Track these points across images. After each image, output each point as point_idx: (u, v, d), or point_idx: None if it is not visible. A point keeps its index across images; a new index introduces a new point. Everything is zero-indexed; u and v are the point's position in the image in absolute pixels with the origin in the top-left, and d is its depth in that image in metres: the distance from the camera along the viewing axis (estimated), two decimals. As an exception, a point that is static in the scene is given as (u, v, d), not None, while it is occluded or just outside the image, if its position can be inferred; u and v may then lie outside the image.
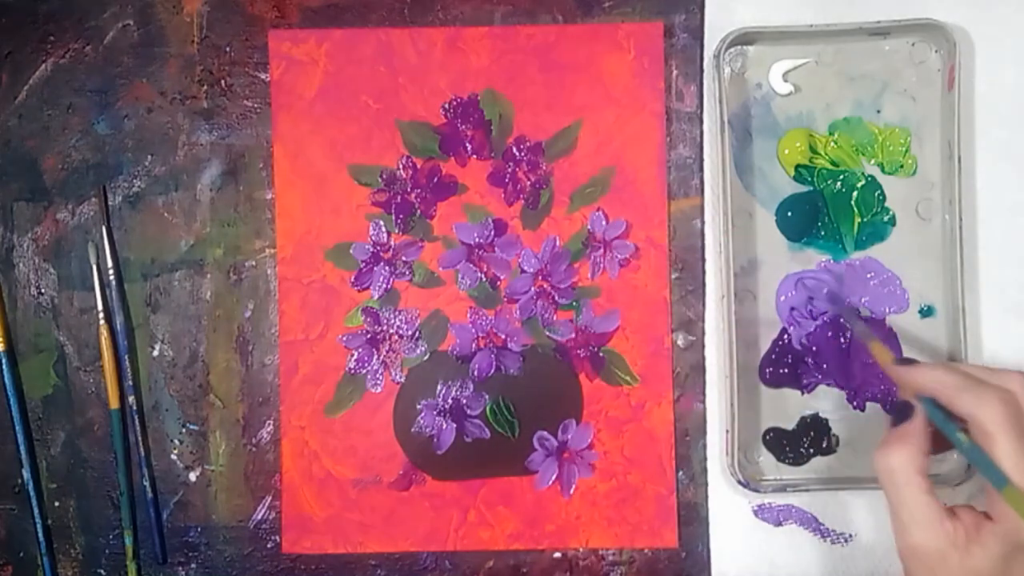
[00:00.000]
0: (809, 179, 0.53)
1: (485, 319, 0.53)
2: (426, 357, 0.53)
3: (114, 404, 0.53)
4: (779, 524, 0.52)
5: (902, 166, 0.53)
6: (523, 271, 0.53)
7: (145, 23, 0.54)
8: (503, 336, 0.53)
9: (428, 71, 0.53)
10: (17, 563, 0.54)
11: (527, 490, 0.53)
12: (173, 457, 0.54)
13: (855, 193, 0.53)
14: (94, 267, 0.53)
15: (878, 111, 0.53)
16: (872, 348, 0.46)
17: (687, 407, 0.53)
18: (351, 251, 0.53)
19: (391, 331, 0.53)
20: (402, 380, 0.53)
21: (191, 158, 0.54)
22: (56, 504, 0.54)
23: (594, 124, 0.53)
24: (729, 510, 0.52)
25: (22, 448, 0.53)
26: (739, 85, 0.53)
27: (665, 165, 0.53)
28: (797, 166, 0.53)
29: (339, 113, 0.53)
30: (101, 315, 0.53)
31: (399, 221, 0.53)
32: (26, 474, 0.53)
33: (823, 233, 0.53)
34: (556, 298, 0.53)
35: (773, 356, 0.53)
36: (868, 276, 0.53)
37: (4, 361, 0.53)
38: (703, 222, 0.53)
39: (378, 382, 0.53)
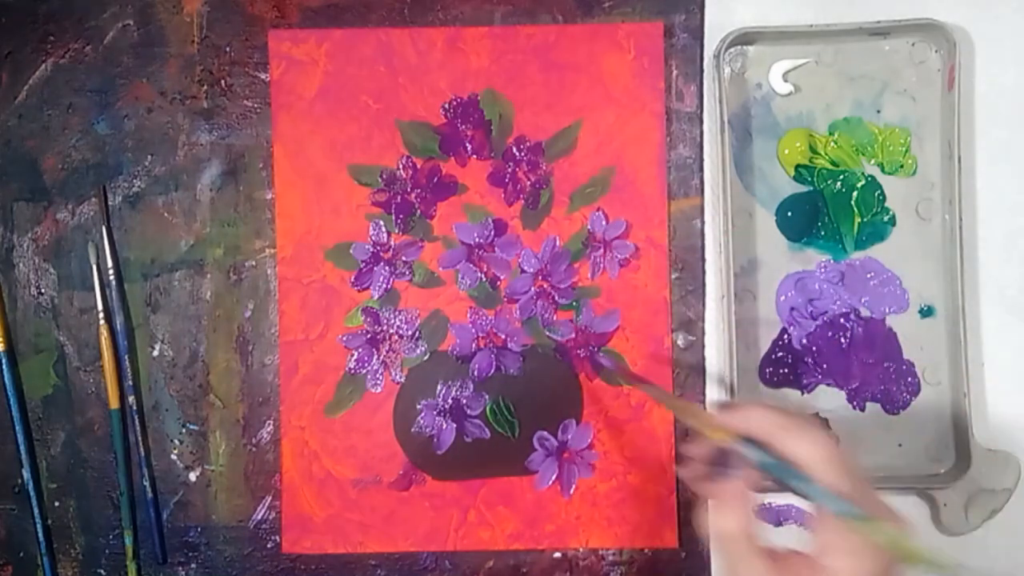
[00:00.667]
0: (809, 179, 0.53)
1: (485, 319, 0.53)
2: (426, 357, 0.53)
3: (114, 404, 0.53)
4: (779, 524, 0.52)
5: (902, 166, 0.53)
6: (523, 271, 0.53)
7: (145, 23, 0.54)
8: (503, 336, 0.53)
9: (428, 71, 0.53)
10: (17, 563, 0.54)
11: (527, 490, 0.53)
12: (173, 457, 0.54)
13: (855, 193, 0.53)
14: (94, 267, 0.53)
15: (878, 111, 0.53)
16: (676, 410, 0.47)
17: (687, 407, 0.53)
18: (351, 251, 0.53)
19: (391, 331, 0.53)
20: (402, 380, 0.53)
21: (191, 158, 0.54)
22: (56, 504, 0.54)
23: (594, 124, 0.53)
24: (729, 510, 0.52)
25: (22, 448, 0.53)
26: (739, 85, 0.53)
27: (665, 165, 0.53)
28: (797, 166, 0.53)
29: (339, 113, 0.53)
30: (101, 315, 0.53)
31: (399, 221, 0.53)
32: (26, 474, 0.53)
33: (823, 233, 0.53)
34: (556, 298, 0.53)
35: (773, 356, 0.53)
36: (868, 276, 0.53)
37: (4, 361, 0.53)
38: (703, 222, 0.53)
39: (378, 382, 0.53)
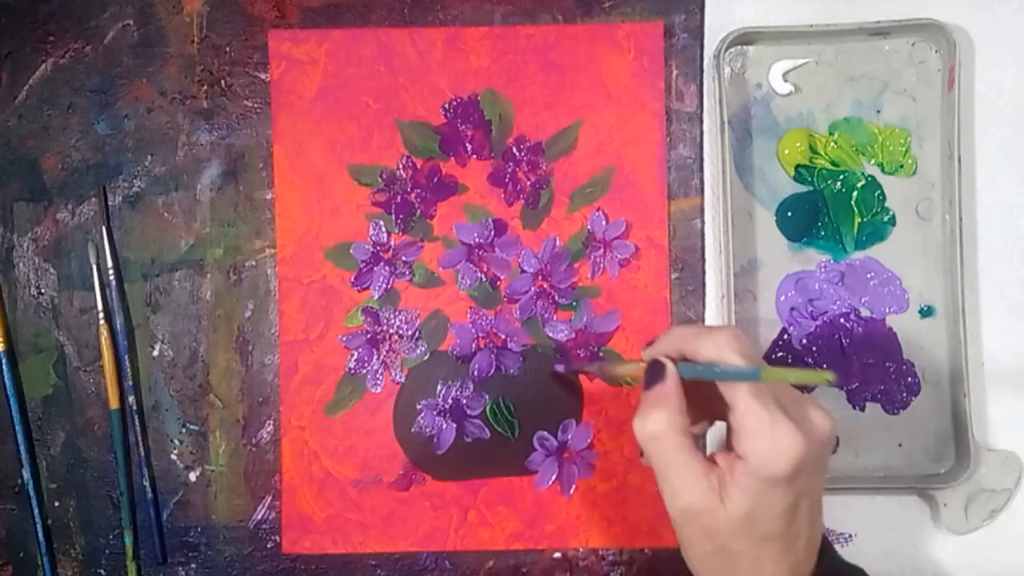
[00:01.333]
0: (809, 179, 0.53)
1: (485, 319, 0.53)
2: (426, 357, 0.53)
3: (114, 404, 0.53)
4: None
5: (902, 166, 0.53)
6: (523, 271, 0.53)
7: (145, 23, 0.54)
8: (503, 336, 0.53)
9: (428, 71, 0.53)
10: (17, 563, 0.54)
11: (527, 490, 0.53)
12: (173, 457, 0.54)
13: (855, 193, 0.53)
14: (94, 267, 0.53)
15: (878, 111, 0.53)
16: (609, 372, 0.48)
17: (687, 407, 0.53)
18: (351, 251, 0.53)
19: (391, 331, 0.53)
20: (402, 380, 0.53)
21: (191, 158, 0.54)
22: (56, 504, 0.54)
23: (594, 124, 0.53)
24: (729, 510, 0.52)
25: (22, 448, 0.53)
26: (739, 85, 0.53)
27: (665, 165, 0.53)
28: (797, 166, 0.53)
29: (339, 113, 0.53)
30: (101, 315, 0.53)
31: (399, 221, 0.53)
32: (26, 474, 0.53)
33: (823, 233, 0.53)
34: (556, 298, 0.53)
35: (773, 356, 0.53)
36: (868, 276, 0.53)
37: (4, 361, 0.53)
38: (703, 222, 0.53)
39: (378, 382, 0.53)
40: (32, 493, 0.53)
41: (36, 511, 0.53)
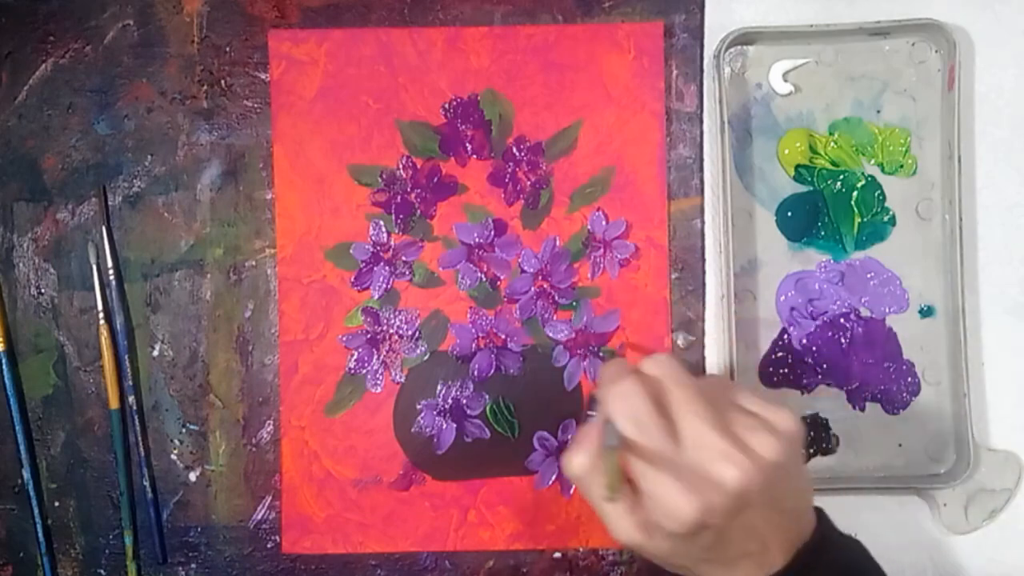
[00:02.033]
0: (809, 179, 0.53)
1: (485, 319, 0.53)
2: (426, 357, 0.53)
3: (114, 404, 0.53)
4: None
5: (902, 166, 0.53)
6: (523, 271, 0.53)
7: (145, 23, 0.54)
8: (503, 336, 0.53)
9: (428, 71, 0.53)
10: (17, 563, 0.54)
11: (527, 490, 0.53)
12: (173, 457, 0.54)
13: (855, 193, 0.53)
14: (94, 267, 0.53)
15: (878, 111, 0.53)
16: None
17: (687, 407, 0.53)
18: (351, 251, 0.53)
19: (391, 331, 0.53)
20: (402, 380, 0.53)
21: (191, 158, 0.54)
22: (56, 504, 0.54)
23: (594, 124, 0.53)
24: (729, 510, 0.52)
25: (22, 448, 0.53)
26: (739, 85, 0.53)
27: (665, 165, 0.53)
28: (797, 166, 0.53)
29: (339, 113, 0.53)
30: (101, 315, 0.53)
31: (399, 221, 0.53)
32: (26, 474, 0.53)
33: (823, 233, 0.53)
34: (556, 298, 0.53)
35: (773, 356, 0.53)
36: (868, 276, 0.53)
37: (4, 361, 0.53)
38: (703, 222, 0.53)
39: (378, 382, 0.53)
40: (32, 493, 0.53)
41: (36, 511, 0.53)
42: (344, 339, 0.53)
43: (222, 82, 0.54)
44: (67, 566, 0.54)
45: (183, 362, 0.54)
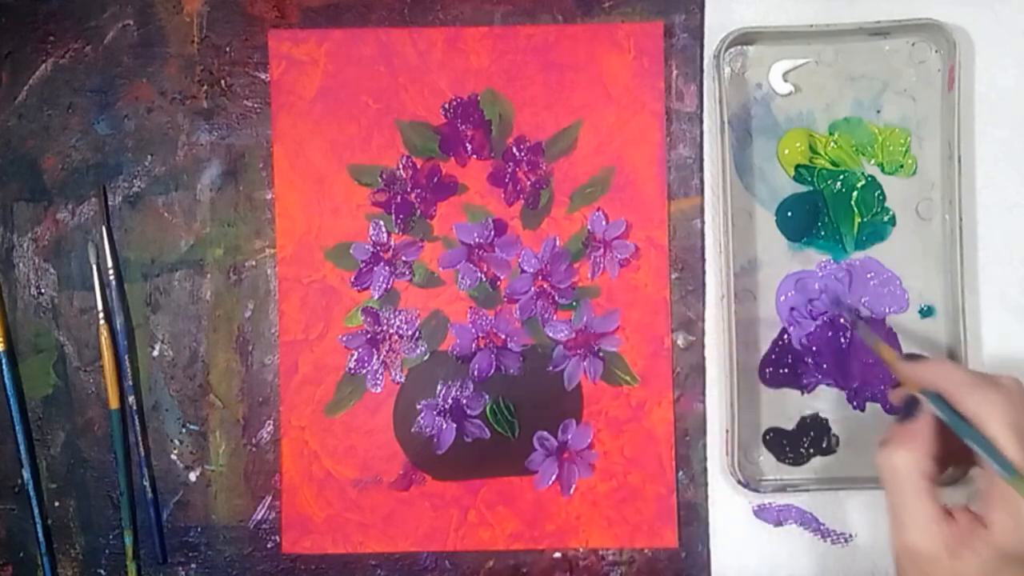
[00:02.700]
0: (809, 179, 0.53)
1: (485, 319, 0.53)
2: (426, 357, 0.53)
3: (114, 404, 0.53)
4: (779, 524, 0.52)
5: (902, 166, 0.53)
6: (523, 271, 0.53)
7: (145, 23, 0.54)
8: (503, 336, 0.53)
9: (428, 71, 0.53)
10: (17, 563, 0.54)
11: (527, 490, 0.53)
12: (173, 457, 0.54)
13: (855, 193, 0.53)
14: (94, 267, 0.53)
15: (878, 111, 0.53)
16: (877, 348, 0.46)
17: (687, 407, 0.53)
18: (351, 251, 0.53)
19: (391, 331, 0.53)
20: (402, 380, 0.53)
21: (191, 158, 0.54)
22: (56, 504, 0.54)
23: (594, 124, 0.53)
24: (729, 510, 0.52)
25: (22, 448, 0.53)
26: (739, 85, 0.53)
27: (665, 165, 0.53)
28: (797, 166, 0.53)
29: (339, 113, 0.53)
30: (101, 315, 0.53)
31: (399, 221, 0.53)
32: (26, 474, 0.53)
33: (823, 233, 0.53)
34: (556, 298, 0.53)
35: (773, 356, 0.53)
36: (868, 276, 0.53)
37: (4, 361, 0.53)
38: (703, 222, 0.53)
39: (378, 382, 0.53)
40: (32, 493, 0.53)
41: (36, 511, 0.53)
42: (344, 339, 0.53)
43: (222, 82, 0.54)
44: (67, 566, 0.54)
45: (183, 362, 0.54)
